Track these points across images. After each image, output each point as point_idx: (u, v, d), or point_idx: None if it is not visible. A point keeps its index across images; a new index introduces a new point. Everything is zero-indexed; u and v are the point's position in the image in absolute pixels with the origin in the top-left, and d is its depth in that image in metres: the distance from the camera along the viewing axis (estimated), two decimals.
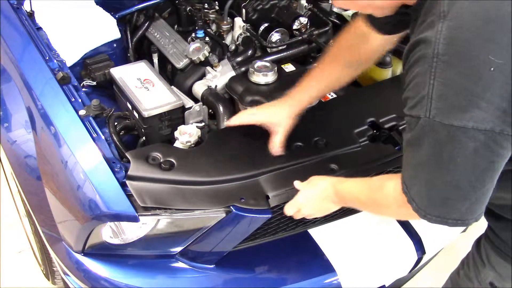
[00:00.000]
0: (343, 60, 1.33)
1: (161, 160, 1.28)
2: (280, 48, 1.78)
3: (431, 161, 0.88)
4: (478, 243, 1.24)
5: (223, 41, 1.83)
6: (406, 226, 1.54)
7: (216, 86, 1.62)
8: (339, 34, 1.34)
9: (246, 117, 1.39)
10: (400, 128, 1.50)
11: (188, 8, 1.88)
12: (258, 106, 1.43)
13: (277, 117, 1.35)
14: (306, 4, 1.95)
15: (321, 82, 1.36)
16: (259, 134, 1.42)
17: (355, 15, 1.93)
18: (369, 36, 1.26)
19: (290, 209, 1.25)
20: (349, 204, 1.20)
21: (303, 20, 1.82)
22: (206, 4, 1.93)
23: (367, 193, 1.10)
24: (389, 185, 1.02)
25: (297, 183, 1.26)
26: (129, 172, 1.24)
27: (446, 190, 0.89)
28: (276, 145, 1.35)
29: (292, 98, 1.37)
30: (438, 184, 0.89)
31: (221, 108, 1.52)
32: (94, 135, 1.31)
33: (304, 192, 1.23)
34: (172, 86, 1.57)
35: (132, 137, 1.53)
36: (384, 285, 1.55)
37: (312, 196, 1.22)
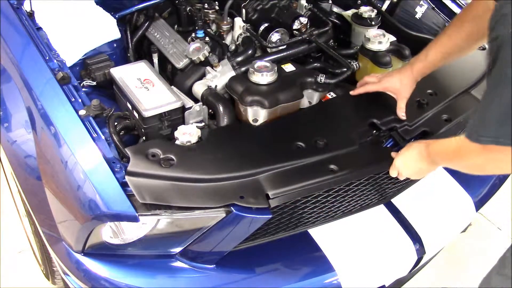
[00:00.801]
0: (465, 31, 1.37)
1: (161, 156, 1.28)
2: (280, 48, 1.79)
3: (493, 83, 0.94)
4: None
5: (223, 41, 1.83)
6: (406, 226, 1.54)
7: (216, 86, 1.62)
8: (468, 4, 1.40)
9: (371, 86, 1.54)
10: (400, 129, 1.50)
11: (188, 8, 1.88)
12: (382, 74, 1.56)
13: (402, 84, 1.48)
14: (306, 4, 1.95)
15: (442, 52, 1.42)
16: (259, 133, 1.42)
17: (355, 15, 1.93)
18: (492, 7, 1.30)
19: (392, 173, 1.38)
20: (440, 163, 1.29)
21: (303, 20, 1.82)
22: (206, 4, 1.93)
23: (454, 148, 1.15)
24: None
25: (393, 153, 1.39)
26: (129, 168, 1.24)
27: (500, 110, 0.94)
28: (402, 110, 1.49)
29: (414, 66, 1.46)
30: (494, 104, 0.94)
31: (221, 108, 1.52)
32: (94, 135, 1.31)
33: (401, 155, 1.34)
34: (172, 86, 1.57)
35: (132, 137, 1.53)
36: (384, 285, 1.55)
37: (408, 158, 1.32)
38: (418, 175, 1.38)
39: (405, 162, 1.34)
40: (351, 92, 1.58)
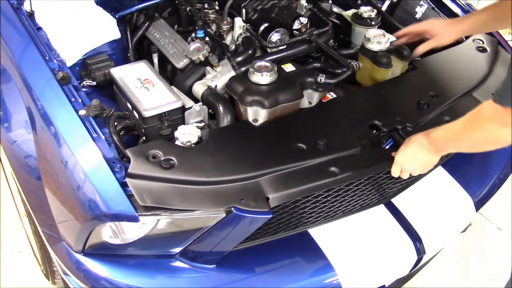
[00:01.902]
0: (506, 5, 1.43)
1: (162, 158, 1.28)
2: (280, 48, 1.79)
3: None
4: None
5: (223, 41, 1.84)
6: (406, 226, 1.54)
7: (216, 86, 1.62)
8: None
9: (412, 27, 1.67)
10: (401, 130, 1.50)
11: (188, 8, 1.88)
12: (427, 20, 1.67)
13: (441, 30, 1.56)
14: (306, 4, 1.95)
15: (484, 17, 1.51)
16: (260, 134, 1.42)
17: (355, 15, 1.93)
18: None
19: (394, 171, 1.37)
20: (444, 149, 1.28)
21: (303, 20, 1.82)
22: (206, 4, 1.93)
23: (463, 126, 1.16)
24: (483, 104, 1.09)
25: (393, 153, 1.38)
26: (129, 170, 1.24)
27: None
28: (422, 50, 1.60)
29: (460, 22, 1.57)
30: None
31: (221, 108, 1.52)
32: (94, 135, 1.31)
33: (401, 151, 1.33)
34: (172, 86, 1.57)
35: (132, 137, 1.53)
36: (384, 285, 1.55)
37: (409, 152, 1.31)
38: (422, 168, 1.36)
39: (407, 156, 1.33)
40: (395, 42, 1.69)
